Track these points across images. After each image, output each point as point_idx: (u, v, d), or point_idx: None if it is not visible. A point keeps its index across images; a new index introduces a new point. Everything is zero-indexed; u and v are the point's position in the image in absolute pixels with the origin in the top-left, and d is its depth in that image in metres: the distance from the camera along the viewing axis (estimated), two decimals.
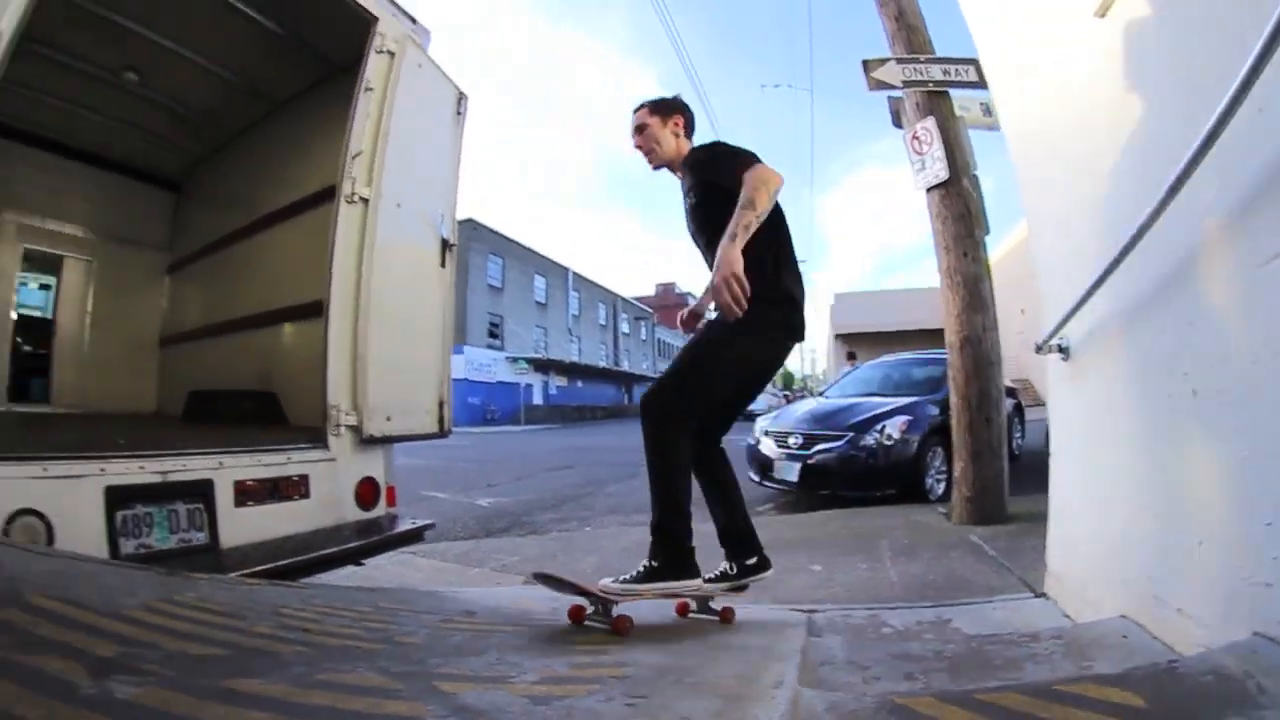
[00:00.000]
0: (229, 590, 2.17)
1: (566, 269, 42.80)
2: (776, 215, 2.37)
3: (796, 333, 2.45)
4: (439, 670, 1.66)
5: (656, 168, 2.66)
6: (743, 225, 2.12)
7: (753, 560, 2.54)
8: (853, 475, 6.37)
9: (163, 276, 6.17)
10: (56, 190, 5.65)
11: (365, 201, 3.19)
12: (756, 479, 7.16)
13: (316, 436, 3.06)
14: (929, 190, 5.34)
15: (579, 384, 41.12)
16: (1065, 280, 2.61)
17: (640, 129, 2.62)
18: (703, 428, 2.49)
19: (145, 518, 2.38)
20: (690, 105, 2.67)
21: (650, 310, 59.32)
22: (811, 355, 57.98)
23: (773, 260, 2.36)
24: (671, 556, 2.32)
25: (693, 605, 2.52)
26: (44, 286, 6.20)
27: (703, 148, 2.57)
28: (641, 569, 2.31)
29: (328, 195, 3.92)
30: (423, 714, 1.33)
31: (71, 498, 2.19)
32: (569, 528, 5.99)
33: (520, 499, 7.53)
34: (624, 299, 54.12)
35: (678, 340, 64.32)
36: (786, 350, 2.50)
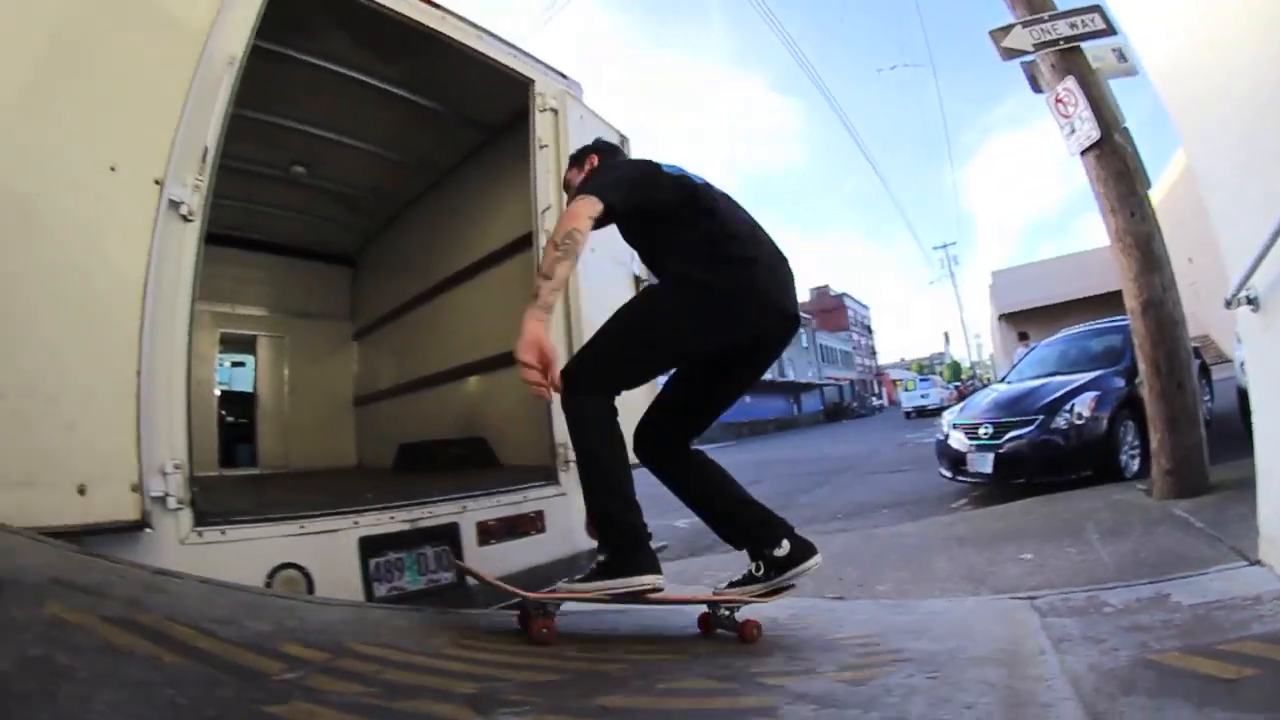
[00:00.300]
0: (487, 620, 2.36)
1: None
2: (670, 203, 2.20)
3: (745, 291, 2.14)
4: (750, 670, 1.78)
5: None
6: (533, 293, 1.98)
7: (783, 549, 2.20)
8: (1046, 460, 6.09)
9: (350, 343, 6.94)
10: (243, 280, 6.46)
11: None
12: (948, 474, 6.99)
13: (547, 474, 3.31)
14: (1083, 153, 5.07)
15: (747, 399, 40.24)
16: (1247, 226, 2.45)
17: (566, 186, 2.67)
18: (662, 433, 2.33)
19: (396, 563, 2.60)
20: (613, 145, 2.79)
21: (809, 316, 56.77)
22: (976, 341, 54.60)
23: (684, 247, 2.18)
24: (625, 545, 2.02)
25: (720, 613, 2.27)
26: (236, 364, 7.11)
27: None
28: (594, 566, 2.05)
29: (509, 251, 4.40)
30: (774, 704, 1.50)
31: (329, 550, 2.43)
32: None
33: None
34: None
35: (840, 344, 62.64)
36: (734, 313, 2.15)
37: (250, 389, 6.97)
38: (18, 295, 1.90)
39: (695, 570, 5.00)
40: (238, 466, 6.30)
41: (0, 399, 1.83)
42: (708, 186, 2.33)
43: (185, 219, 2.23)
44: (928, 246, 61.71)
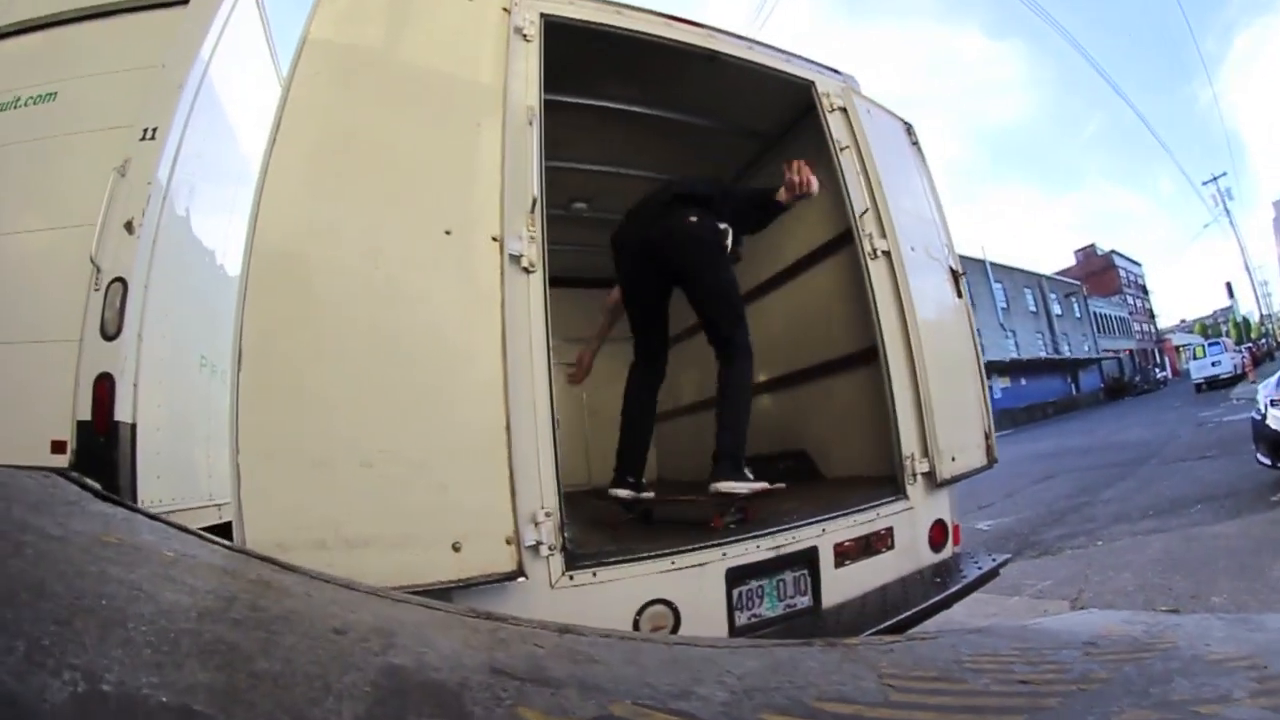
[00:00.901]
0: (914, 651, 2.07)
1: (983, 261, 37.26)
2: None
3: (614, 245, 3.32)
4: (1176, 698, 1.59)
5: None
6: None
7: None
8: None
9: None
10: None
11: (887, 255, 3.05)
12: (1267, 461, 5.45)
13: (895, 488, 2.92)
14: None
15: (1022, 381, 35.50)
16: None
17: None
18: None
19: (757, 590, 2.45)
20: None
21: (1077, 282, 49.40)
22: (1264, 290, 42.92)
23: None
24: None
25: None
26: None
27: None
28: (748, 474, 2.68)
29: (814, 258, 4.01)
30: None
31: (697, 584, 2.30)
32: (1079, 544, 5.21)
33: (1019, 517, 6.67)
34: (1048, 277, 46.12)
35: (1114, 310, 52.02)
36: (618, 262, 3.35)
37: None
38: (373, 367, 1.95)
39: (1011, 577, 4.31)
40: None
41: (368, 467, 1.86)
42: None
43: (528, 270, 2.18)
44: (1195, 182, 49.06)
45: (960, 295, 3.38)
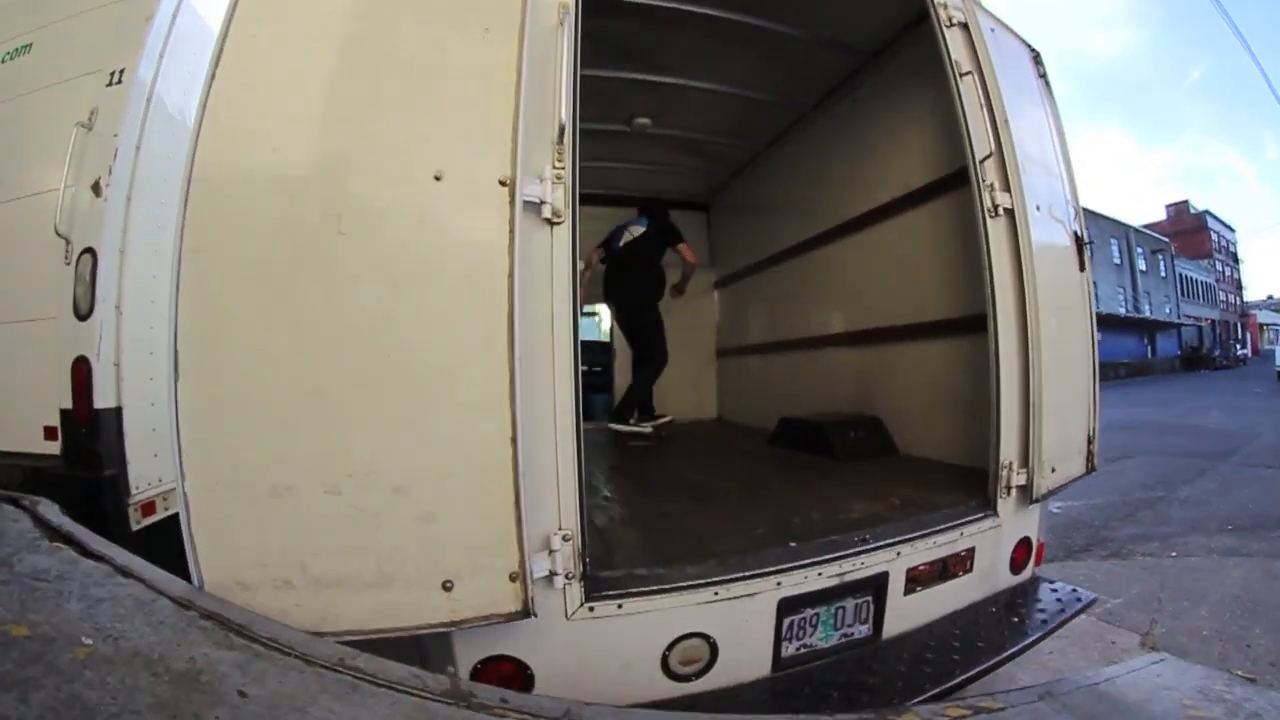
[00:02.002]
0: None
1: None
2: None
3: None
4: None
5: None
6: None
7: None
8: None
9: (710, 292, 6.23)
10: (586, 233, 6.02)
11: (1010, 214, 2.35)
12: None
13: (986, 503, 2.37)
14: None
15: (1099, 336, 33.57)
16: None
17: None
18: None
19: (811, 619, 2.01)
20: None
21: (1165, 240, 44.32)
22: None
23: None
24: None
25: None
26: (587, 314, 6.82)
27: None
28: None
29: (911, 200, 3.33)
30: None
31: (742, 616, 1.87)
32: (1151, 550, 4.61)
33: (1090, 503, 5.96)
34: (1136, 229, 41.63)
35: (1201, 274, 47.88)
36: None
37: (606, 338, 6.71)
38: (337, 369, 1.46)
39: (1072, 578, 3.74)
40: (593, 419, 6.18)
41: (335, 495, 1.42)
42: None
43: (550, 222, 1.59)
44: None
45: (1084, 268, 2.68)
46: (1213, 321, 49.47)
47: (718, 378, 6.16)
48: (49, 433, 2.19)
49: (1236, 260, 57.57)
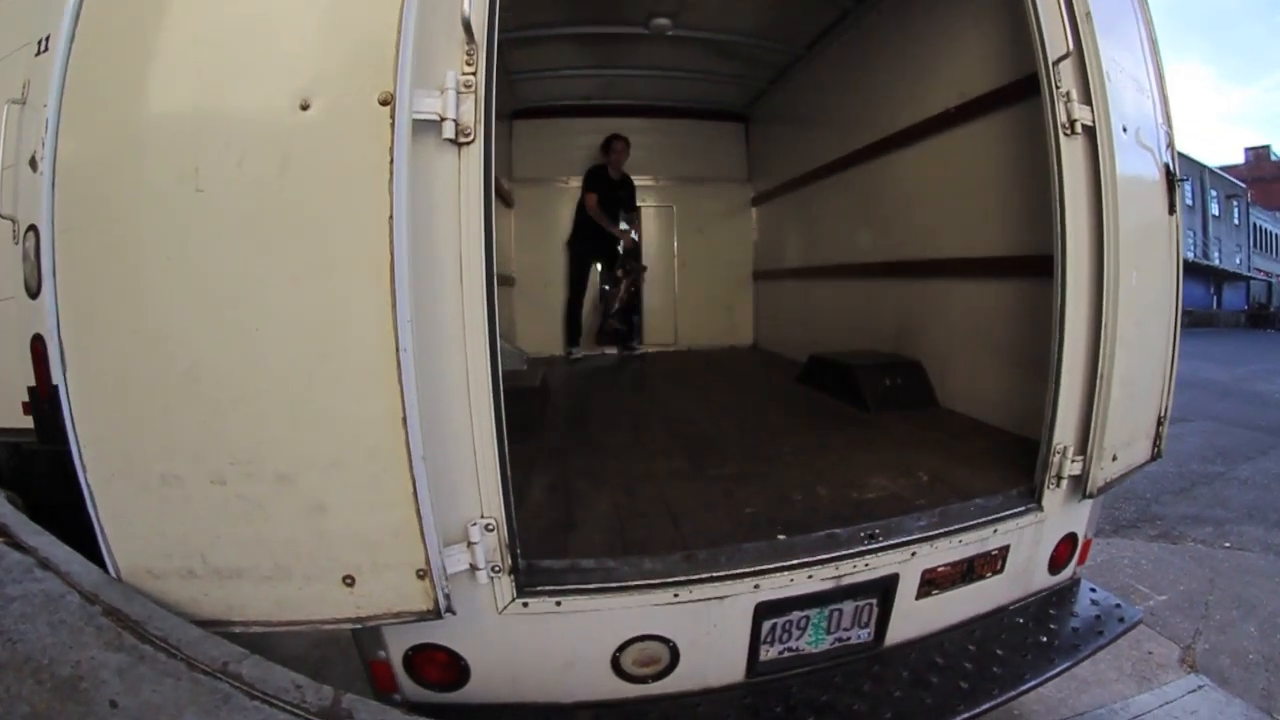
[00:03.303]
0: None
1: None
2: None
3: None
4: None
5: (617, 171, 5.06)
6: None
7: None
8: None
9: (747, 209, 5.70)
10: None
11: (1090, 133, 1.78)
12: None
13: (1028, 492, 1.92)
14: None
15: None
16: None
17: (624, 152, 5.02)
18: None
19: (799, 622, 1.66)
20: None
21: (1242, 185, 39.58)
22: None
23: None
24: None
25: None
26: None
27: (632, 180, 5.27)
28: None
29: (970, 111, 2.75)
30: None
31: (709, 619, 1.57)
32: (1204, 536, 4.04)
33: (1144, 470, 5.30)
34: (1212, 170, 37.48)
35: (1275, 226, 42.93)
36: None
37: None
38: (208, 349, 1.22)
39: (1119, 567, 3.52)
40: (619, 344, 5.59)
41: (220, 484, 1.20)
42: None
43: (455, 142, 1.23)
44: None
45: (1173, 211, 2.08)
46: None
47: (754, 302, 5.67)
48: (26, 407, 2.17)
49: None
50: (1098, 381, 1.82)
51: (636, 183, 5.36)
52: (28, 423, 2.17)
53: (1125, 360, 1.83)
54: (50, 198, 1.21)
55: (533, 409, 2.73)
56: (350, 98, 1.13)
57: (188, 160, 1.16)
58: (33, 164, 1.98)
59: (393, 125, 1.10)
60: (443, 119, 1.19)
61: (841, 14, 3.74)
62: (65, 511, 1.40)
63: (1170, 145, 2.10)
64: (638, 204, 5.34)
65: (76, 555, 1.37)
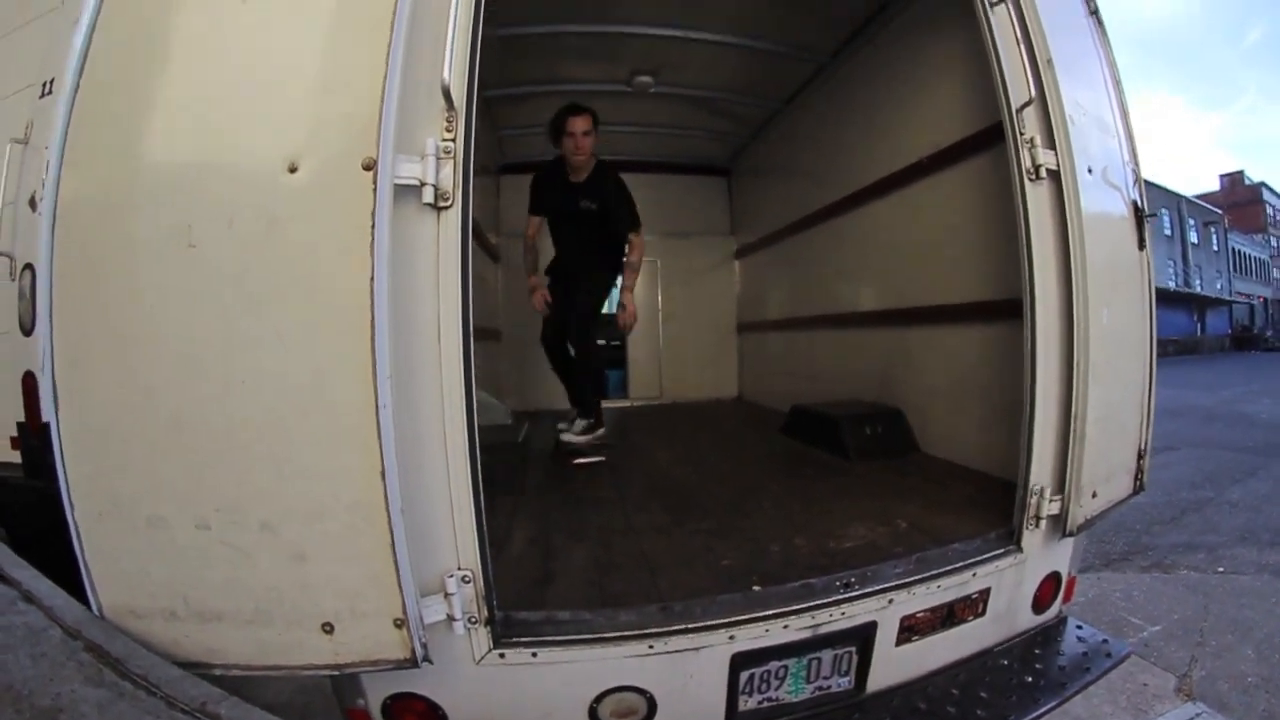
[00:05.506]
0: None
1: None
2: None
3: None
4: None
5: (579, 167, 3.21)
6: (632, 285, 3.35)
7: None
8: None
9: (730, 262, 5.77)
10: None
11: (1055, 176, 1.86)
12: None
13: (1010, 535, 1.95)
14: None
15: None
16: None
17: (589, 133, 3.11)
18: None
19: (778, 671, 1.67)
20: None
21: (1219, 211, 41.11)
22: None
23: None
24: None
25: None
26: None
27: (619, 178, 3.30)
28: (587, 424, 3.35)
29: (944, 158, 2.83)
30: None
31: (685, 671, 1.58)
32: (1197, 563, 4.05)
33: (1132, 501, 5.30)
34: (1189, 200, 38.75)
35: (1255, 250, 44.55)
36: None
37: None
38: (198, 399, 1.25)
39: (1111, 601, 3.48)
40: (606, 397, 5.82)
41: (205, 529, 1.23)
42: None
43: (435, 207, 1.28)
44: None
45: (1143, 246, 2.15)
46: (1265, 300, 46.20)
47: (739, 354, 5.71)
48: (15, 442, 2.20)
49: None
50: (1072, 420, 1.86)
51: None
52: (14, 458, 2.19)
53: (1100, 397, 1.88)
54: (50, 241, 1.27)
55: (514, 463, 2.75)
56: (335, 162, 1.18)
57: (182, 216, 1.22)
58: (32, 204, 2.06)
59: (375, 189, 1.15)
60: (423, 184, 1.25)
61: (817, 69, 3.87)
62: (49, 548, 1.41)
63: (1138, 181, 2.18)
64: (634, 220, 3.31)
65: (60, 590, 1.38)
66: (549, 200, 3.34)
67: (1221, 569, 3.93)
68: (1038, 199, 1.86)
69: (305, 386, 1.21)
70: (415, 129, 1.24)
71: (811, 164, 4.21)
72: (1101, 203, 1.99)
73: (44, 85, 2.10)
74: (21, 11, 2.36)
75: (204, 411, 1.24)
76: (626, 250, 3.33)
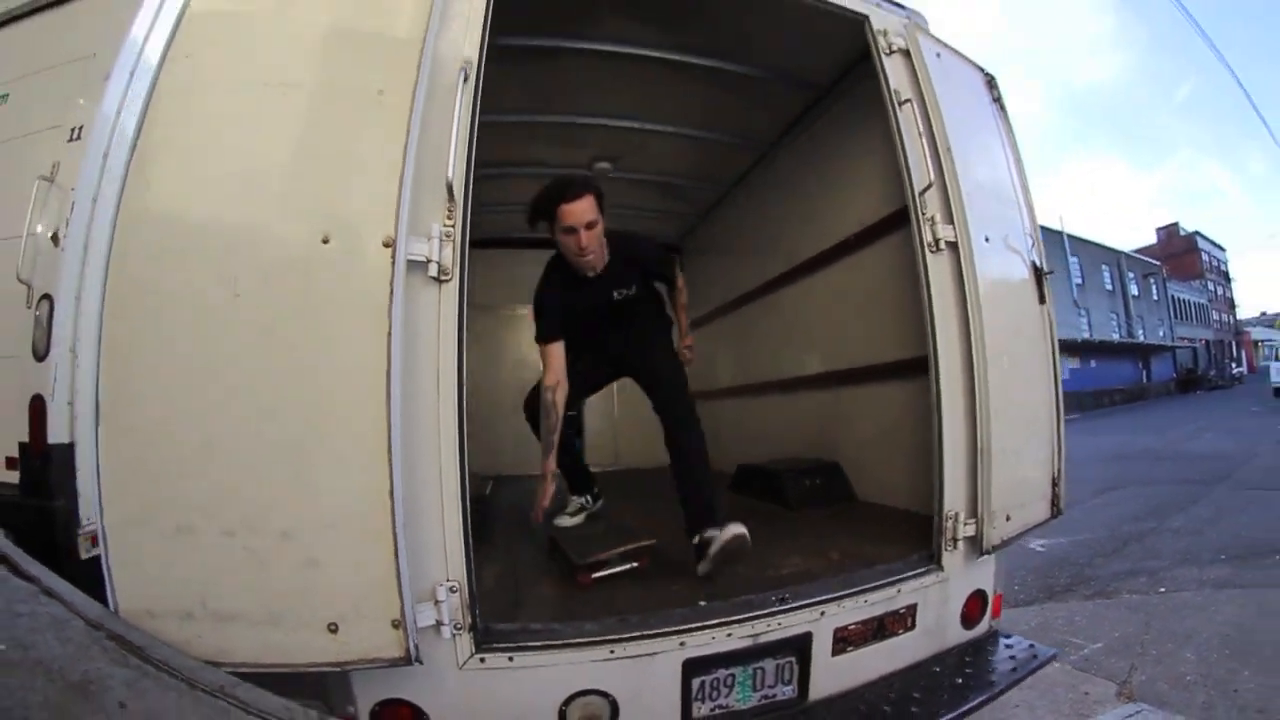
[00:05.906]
0: None
1: (1060, 233, 32.20)
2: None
3: None
4: None
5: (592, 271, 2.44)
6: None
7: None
8: None
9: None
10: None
11: (953, 247, 2.23)
12: None
13: (931, 556, 2.22)
14: None
15: (1093, 363, 31.25)
16: None
17: (594, 224, 2.32)
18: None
19: (726, 679, 1.89)
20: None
21: (1157, 263, 43.42)
22: None
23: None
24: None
25: None
26: None
27: (631, 235, 2.65)
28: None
29: (867, 237, 3.19)
30: None
31: (643, 675, 1.79)
32: (1139, 587, 4.28)
33: (1075, 539, 5.61)
34: (1127, 255, 40.68)
35: (1193, 295, 46.78)
36: None
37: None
38: (234, 422, 1.49)
39: (1055, 628, 3.64)
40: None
41: (230, 536, 1.44)
42: None
43: (437, 280, 1.58)
44: None
45: (1044, 301, 2.51)
46: (1207, 342, 48.29)
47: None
48: (10, 462, 2.31)
49: (1228, 279, 56.34)
50: (979, 454, 2.17)
51: None
52: (9, 477, 2.31)
53: (1002, 433, 2.18)
54: (103, 279, 1.54)
55: (480, 515, 2.95)
56: (361, 239, 1.49)
57: (228, 268, 1.50)
58: (55, 239, 2.27)
59: (393, 263, 1.45)
60: (429, 260, 1.56)
61: (760, 155, 4.27)
62: (44, 561, 1.50)
63: (1036, 244, 2.56)
64: (669, 260, 2.82)
65: (77, 589, 1.48)
66: (571, 314, 2.50)
67: (1163, 589, 4.16)
68: (939, 267, 2.22)
69: (329, 418, 1.47)
70: (424, 215, 1.56)
71: (754, 242, 4.58)
72: (1001, 266, 2.37)
73: (72, 131, 2.29)
74: (49, 54, 2.45)
75: (235, 434, 1.47)
76: (671, 294, 2.79)
